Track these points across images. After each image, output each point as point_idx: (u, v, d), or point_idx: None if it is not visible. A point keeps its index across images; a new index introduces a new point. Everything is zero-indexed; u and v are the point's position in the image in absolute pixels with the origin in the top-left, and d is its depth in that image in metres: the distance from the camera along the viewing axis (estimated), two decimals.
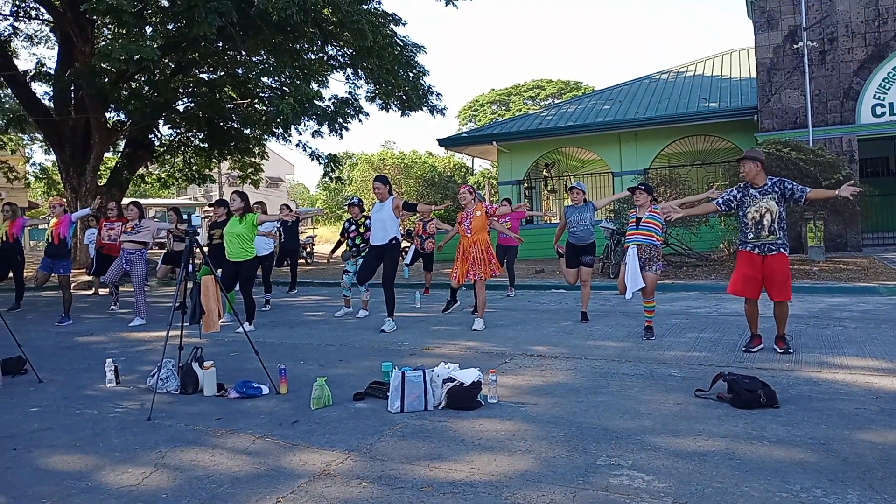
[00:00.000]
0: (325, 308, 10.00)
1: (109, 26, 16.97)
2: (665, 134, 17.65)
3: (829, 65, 14.83)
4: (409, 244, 12.39)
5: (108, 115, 17.55)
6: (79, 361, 6.41)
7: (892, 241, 15.20)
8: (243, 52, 16.77)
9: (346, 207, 12.82)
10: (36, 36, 20.14)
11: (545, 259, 15.89)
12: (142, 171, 20.81)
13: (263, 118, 17.42)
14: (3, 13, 18.07)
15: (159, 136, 19.88)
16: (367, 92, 17.94)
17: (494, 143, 19.37)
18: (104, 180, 18.72)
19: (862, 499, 2.78)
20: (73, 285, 11.20)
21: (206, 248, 7.79)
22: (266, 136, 19.62)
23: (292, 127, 16.85)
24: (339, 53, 17.54)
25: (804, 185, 5.80)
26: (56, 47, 17.93)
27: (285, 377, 4.87)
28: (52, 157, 19.57)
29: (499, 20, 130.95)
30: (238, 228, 7.76)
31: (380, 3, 16.92)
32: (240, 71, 18.04)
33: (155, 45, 12.65)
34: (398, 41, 16.84)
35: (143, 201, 18.03)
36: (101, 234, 10.60)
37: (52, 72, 17.12)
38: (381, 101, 17.65)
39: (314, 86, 16.67)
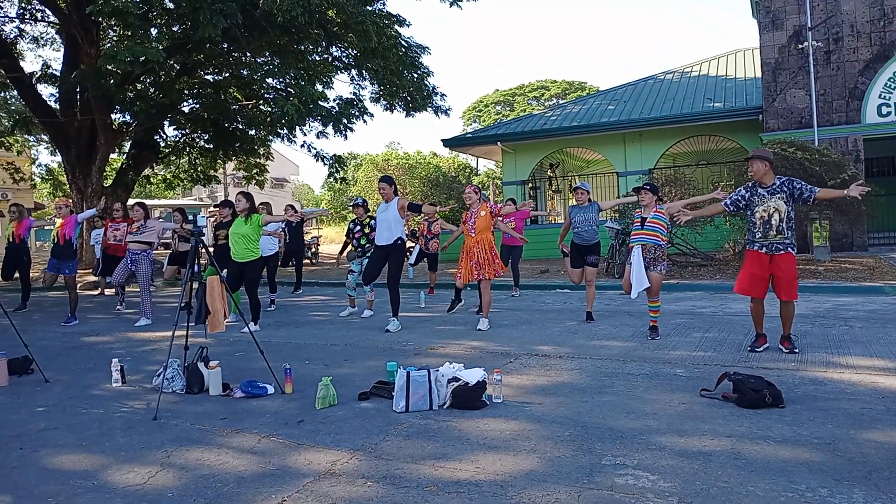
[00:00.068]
0: (330, 308, 10.02)
1: (115, 28, 17.03)
2: (670, 134, 17.62)
3: (834, 64, 14.78)
4: (413, 244, 12.40)
5: (113, 116, 17.64)
6: (85, 361, 6.43)
7: None
8: (248, 54, 16.82)
9: (350, 208, 12.84)
10: (42, 38, 20.26)
11: (550, 259, 15.86)
12: (147, 171, 20.88)
13: (268, 119, 17.44)
14: (10, 15, 18.15)
15: (165, 137, 19.95)
16: (372, 93, 17.99)
17: (499, 143, 19.39)
18: (110, 181, 18.82)
19: (868, 498, 2.77)
20: (79, 285, 11.27)
21: (211, 249, 7.82)
22: (271, 137, 19.65)
23: (297, 128, 16.89)
24: (344, 54, 17.56)
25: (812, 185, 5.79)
26: (62, 49, 18.06)
27: (290, 377, 4.88)
28: (58, 158, 19.67)
29: (504, 21, 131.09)
30: (243, 229, 7.79)
31: (384, 4, 17.00)
32: (245, 72, 18.10)
33: (160, 47, 12.71)
34: (402, 42, 16.87)
35: (148, 202, 18.13)
36: (107, 234, 10.64)
37: (58, 73, 17.18)
38: (385, 102, 17.66)
39: (319, 87, 16.75)
